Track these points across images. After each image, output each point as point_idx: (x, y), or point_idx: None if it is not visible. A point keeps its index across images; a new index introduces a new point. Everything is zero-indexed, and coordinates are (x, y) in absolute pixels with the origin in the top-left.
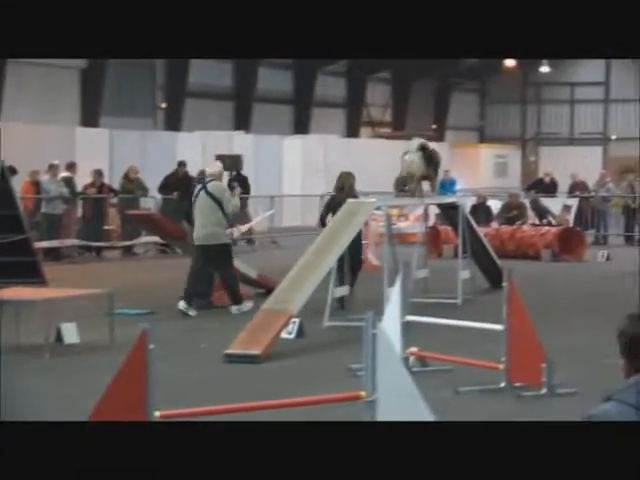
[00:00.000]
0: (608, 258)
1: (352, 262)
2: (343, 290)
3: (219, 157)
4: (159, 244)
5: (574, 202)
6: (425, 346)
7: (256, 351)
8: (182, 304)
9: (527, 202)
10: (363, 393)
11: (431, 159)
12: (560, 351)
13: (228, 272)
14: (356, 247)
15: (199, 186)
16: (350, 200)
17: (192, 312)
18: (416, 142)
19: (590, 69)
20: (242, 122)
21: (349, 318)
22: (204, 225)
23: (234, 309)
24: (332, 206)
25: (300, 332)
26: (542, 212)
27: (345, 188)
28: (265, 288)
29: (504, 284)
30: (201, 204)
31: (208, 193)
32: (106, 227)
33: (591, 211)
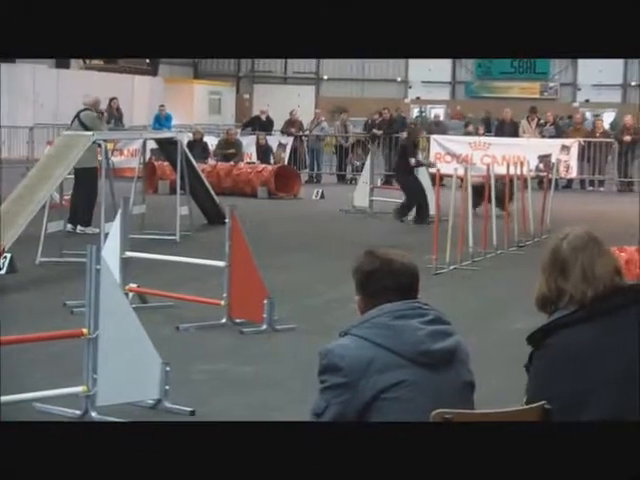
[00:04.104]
0: (322, 196)
1: None
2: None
3: None
4: None
5: (289, 140)
6: (145, 283)
7: None
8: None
9: (242, 139)
10: (85, 330)
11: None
12: (279, 287)
13: (91, 193)
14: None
15: (75, 114)
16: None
17: None
18: None
19: None
20: None
21: (63, 254)
22: None
23: (79, 229)
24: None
25: (12, 267)
26: (267, 151)
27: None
28: None
29: (227, 220)
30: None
31: (80, 122)
32: None
33: (305, 149)
